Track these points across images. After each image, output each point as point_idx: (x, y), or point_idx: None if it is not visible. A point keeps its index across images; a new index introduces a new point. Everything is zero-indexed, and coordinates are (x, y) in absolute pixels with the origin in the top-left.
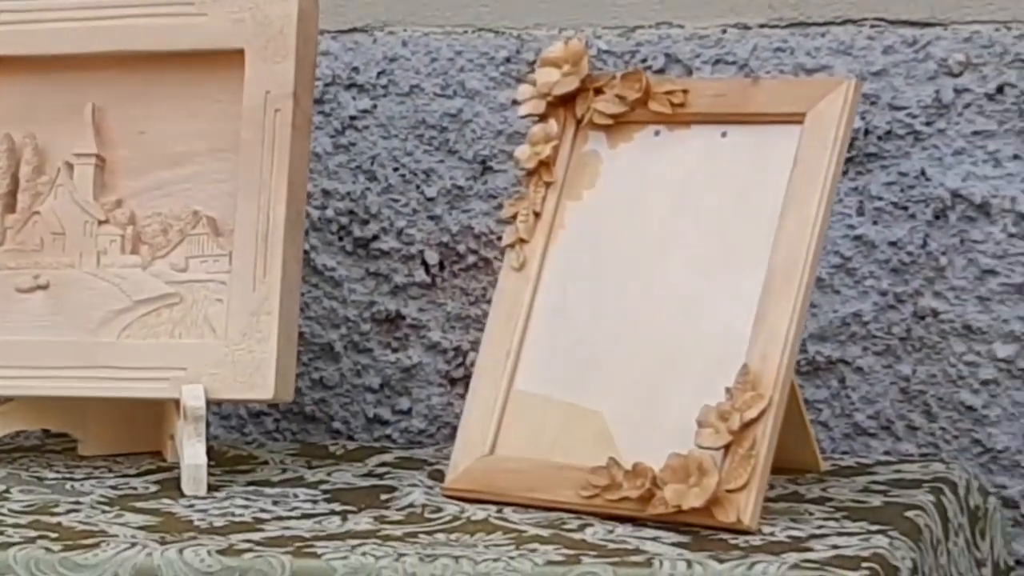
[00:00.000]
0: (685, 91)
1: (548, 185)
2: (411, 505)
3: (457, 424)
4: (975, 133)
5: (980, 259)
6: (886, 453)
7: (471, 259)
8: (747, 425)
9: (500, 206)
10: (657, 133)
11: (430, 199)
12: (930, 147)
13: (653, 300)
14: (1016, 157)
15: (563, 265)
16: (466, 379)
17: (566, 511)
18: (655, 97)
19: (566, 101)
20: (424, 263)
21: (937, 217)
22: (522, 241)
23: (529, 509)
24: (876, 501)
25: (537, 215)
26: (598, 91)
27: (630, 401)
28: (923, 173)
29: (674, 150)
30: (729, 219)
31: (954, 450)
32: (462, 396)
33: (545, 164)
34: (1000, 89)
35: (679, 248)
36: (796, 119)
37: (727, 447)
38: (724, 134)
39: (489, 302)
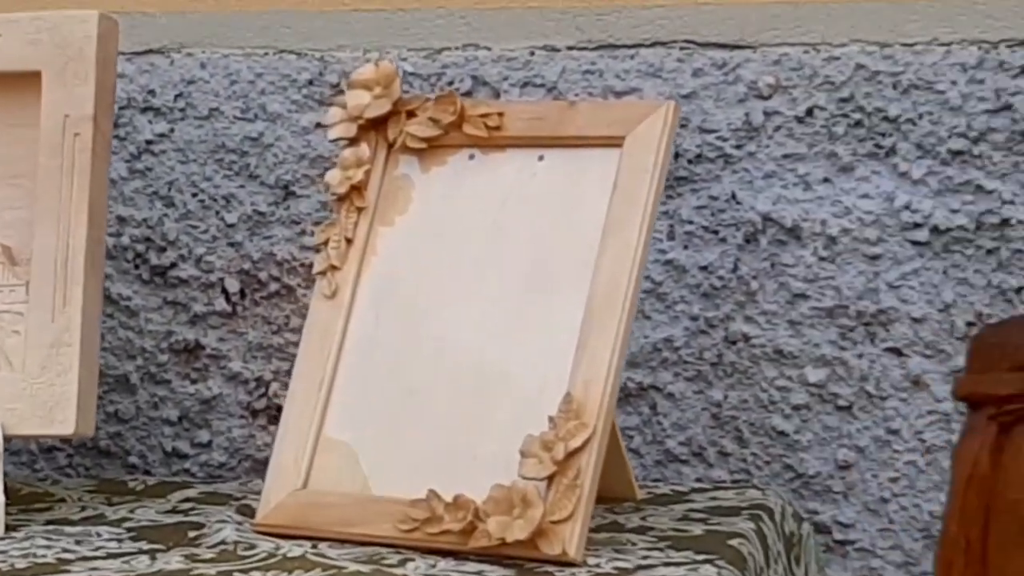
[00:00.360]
0: (500, 114)
1: (360, 210)
2: (222, 542)
3: (260, 457)
4: (785, 156)
5: (791, 283)
6: (698, 480)
7: (273, 287)
8: (571, 455)
9: (303, 232)
10: (472, 157)
11: (230, 225)
12: (740, 170)
13: (469, 328)
14: (826, 180)
15: (376, 293)
16: (268, 410)
17: (384, 545)
18: (470, 120)
19: (377, 124)
20: (224, 291)
21: (748, 241)
22: (333, 268)
23: (346, 544)
24: (697, 530)
25: (349, 241)
26: (410, 114)
27: (448, 432)
28: (734, 196)
29: (490, 174)
30: (547, 244)
31: (766, 476)
32: (264, 428)
33: (357, 189)
34: (810, 112)
35: (496, 274)
36: (615, 143)
37: (551, 477)
38: (541, 158)
39: (292, 331)
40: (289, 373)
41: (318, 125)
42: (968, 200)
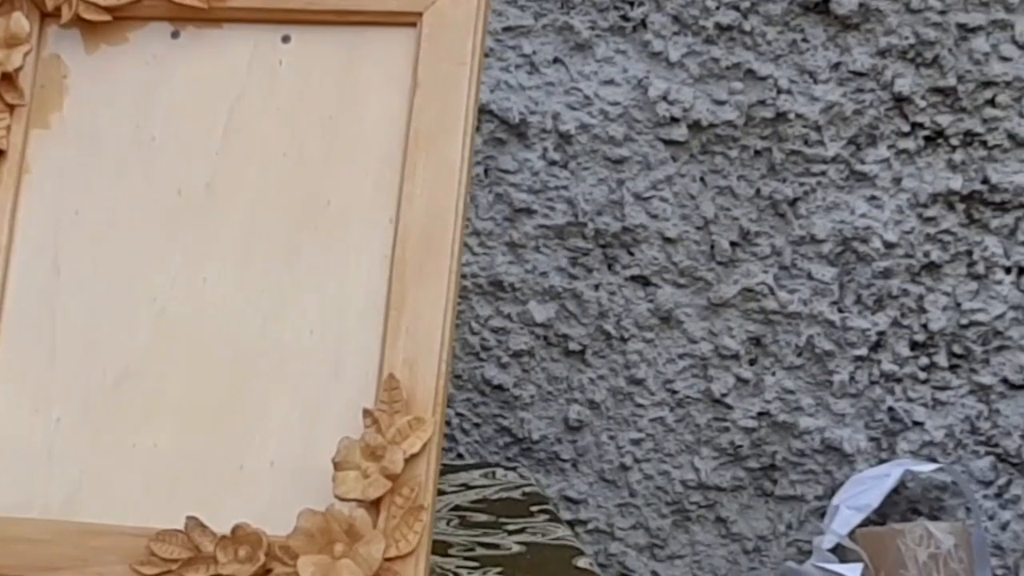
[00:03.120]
0: None
1: (13, 109)
2: None
3: None
4: (506, 30)
5: (511, 195)
6: None
7: None
8: (407, 463)
9: None
10: (176, 35)
11: None
12: None
13: (207, 282)
14: (558, 61)
15: (48, 230)
16: None
17: None
18: None
19: None
20: None
21: None
22: None
23: None
24: (511, 544)
25: (2, 153)
26: None
27: (192, 432)
28: None
29: (208, 61)
30: (314, 162)
31: (474, 441)
32: None
33: (9, 79)
34: None
35: (237, 204)
36: (405, 20)
37: (380, 498)
38: (287, 38)
39: None
40: None
41: None
42: (736, 88)
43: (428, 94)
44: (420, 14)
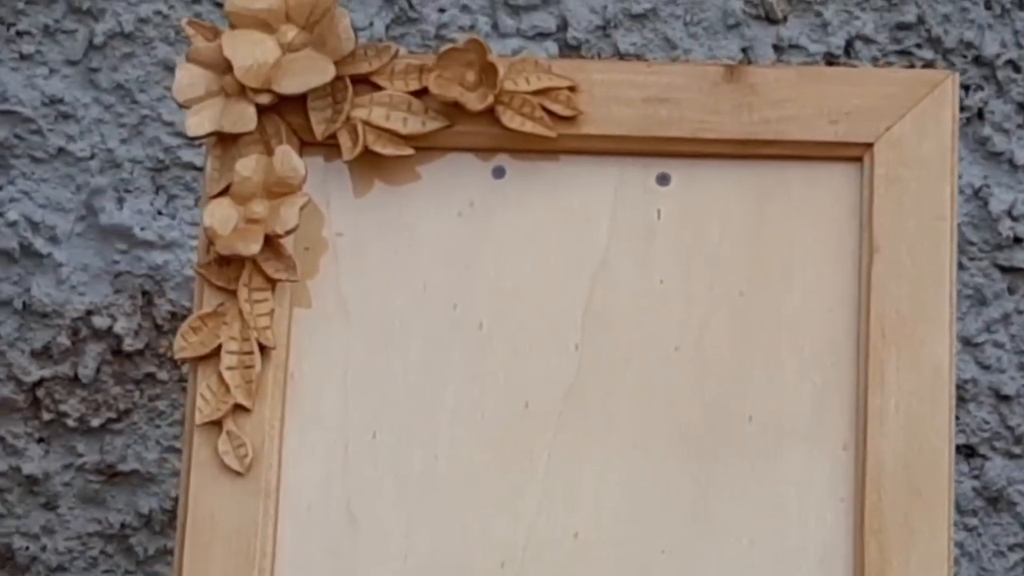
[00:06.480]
0: (573, 88)
1: (275, 285)
2: None
3: None
4: None
5: None
6: None
7: None
8: None
9: None
10: (501, 173)
11: None
12: None
13: (573, 537)
14: None
15: (329, 462)
16: None
17: None
18: (510, 101)
19: (286, 103)
20: None
21: None
22: (241, 411)
23: None
24: None
25: (263, 350)
26: (364, 81)
27: None
28: None
29: (547, 211)
30: (713, 358)
31: None
32: None
33: (274, 244)
34: None
35: (606, 423)
36: (845, 155)
37: None
38: (664, 178)
39: None
40: None
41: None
42: None
43: (893, 262)
44: (870, 145)
